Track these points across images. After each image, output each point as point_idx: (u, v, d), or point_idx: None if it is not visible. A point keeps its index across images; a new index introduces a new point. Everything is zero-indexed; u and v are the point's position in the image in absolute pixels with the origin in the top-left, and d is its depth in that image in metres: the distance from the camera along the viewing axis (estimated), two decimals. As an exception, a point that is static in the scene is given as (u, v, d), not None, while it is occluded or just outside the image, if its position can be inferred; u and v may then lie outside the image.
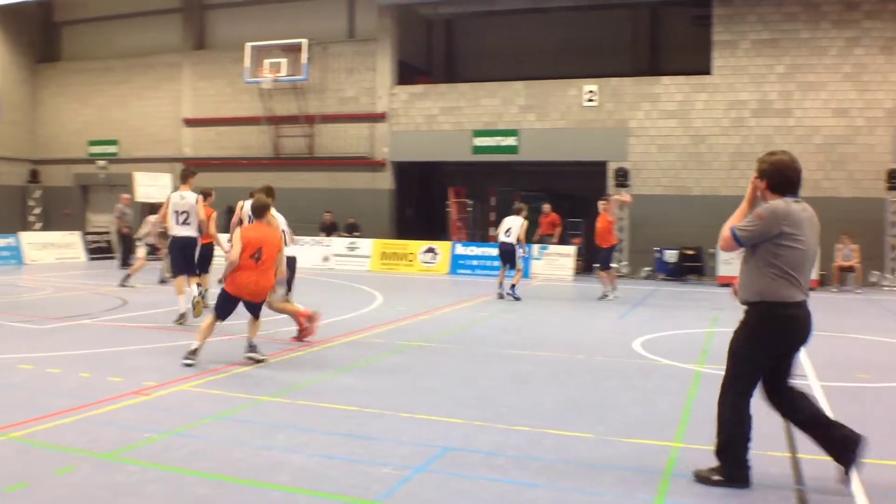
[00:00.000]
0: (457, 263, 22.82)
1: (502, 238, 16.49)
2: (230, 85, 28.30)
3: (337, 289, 18.09)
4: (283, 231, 10.41)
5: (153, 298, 14.91)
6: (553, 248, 22.52)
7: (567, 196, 26.67)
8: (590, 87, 23.90)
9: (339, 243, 24.47)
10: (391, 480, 5.15)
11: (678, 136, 23.07)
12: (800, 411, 5.19)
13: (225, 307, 9.03)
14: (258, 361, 8.92)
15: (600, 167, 23.87)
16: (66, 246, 25.46)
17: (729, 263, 19.47)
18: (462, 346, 10.55)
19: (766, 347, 5.08)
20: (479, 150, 25.13)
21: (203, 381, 7.99)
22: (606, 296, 16.69)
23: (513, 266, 16.46)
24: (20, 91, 31.23)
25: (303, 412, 6.85)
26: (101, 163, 30.55)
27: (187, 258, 11.92)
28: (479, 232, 26.97)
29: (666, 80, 23.51)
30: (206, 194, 12.18)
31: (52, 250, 24.88)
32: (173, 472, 5.22)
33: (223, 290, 9.03)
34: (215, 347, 9.80)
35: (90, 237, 26.93)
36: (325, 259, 24.04)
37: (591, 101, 23.85)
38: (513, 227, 16.36)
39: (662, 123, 23.27)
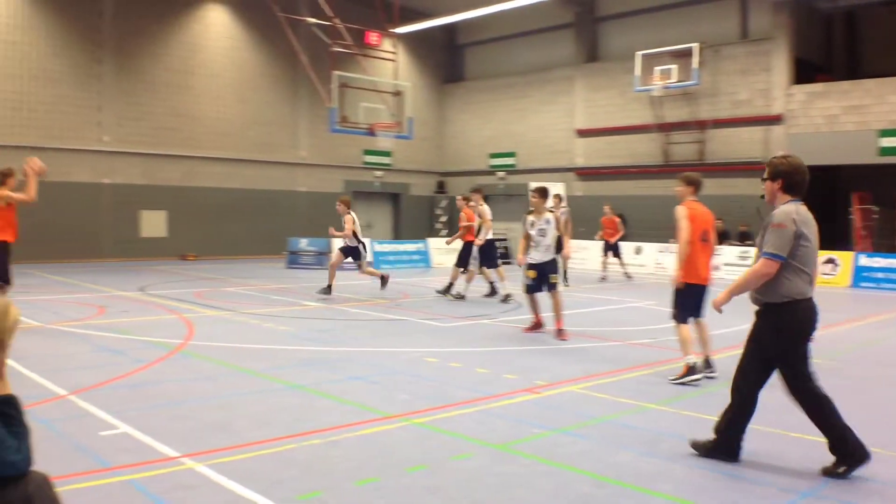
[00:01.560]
0: (860, 276, 21.03)
1: None
2: (620, 95, 28.79)
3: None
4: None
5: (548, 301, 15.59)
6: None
7: None
8: None
9: (729, 252, 23.76)
10: (775, 502, 5.02)
11: None
12: (819, 408, 5.51)
13: (687, 305, 8.68)
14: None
15: None
16: (468, 251, 27.45)
17: None
18: (859, 367, 9.78)
19: (794, 342, 5.51)
20: (887, 151, 22.90)
21: (590, 384, 8.32)
22: None
23: None
24: (429, 110, 34.57)
25: (687, 423, 6.85)
26: (501, 174, 32.78)
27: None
28: (886, 242, 24.53)
29: None
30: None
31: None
32: (560, 468, 5.54)
33: (680, 286, 8.64)
34: (605, 351, 10.15)
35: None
36: (716, 268, 23.41)
37: None
38: None
39: None
